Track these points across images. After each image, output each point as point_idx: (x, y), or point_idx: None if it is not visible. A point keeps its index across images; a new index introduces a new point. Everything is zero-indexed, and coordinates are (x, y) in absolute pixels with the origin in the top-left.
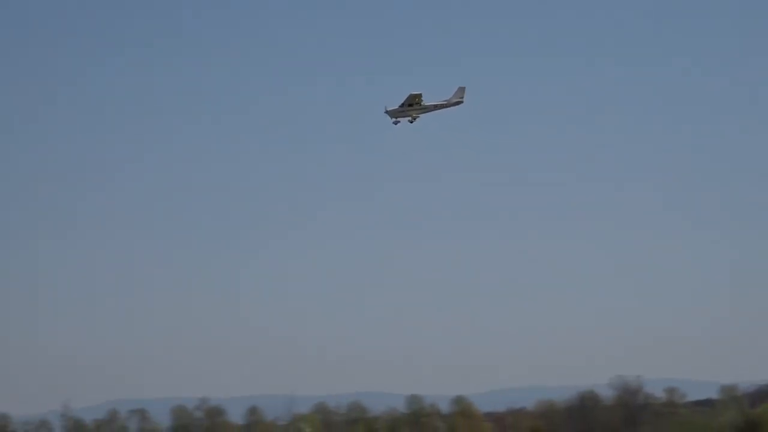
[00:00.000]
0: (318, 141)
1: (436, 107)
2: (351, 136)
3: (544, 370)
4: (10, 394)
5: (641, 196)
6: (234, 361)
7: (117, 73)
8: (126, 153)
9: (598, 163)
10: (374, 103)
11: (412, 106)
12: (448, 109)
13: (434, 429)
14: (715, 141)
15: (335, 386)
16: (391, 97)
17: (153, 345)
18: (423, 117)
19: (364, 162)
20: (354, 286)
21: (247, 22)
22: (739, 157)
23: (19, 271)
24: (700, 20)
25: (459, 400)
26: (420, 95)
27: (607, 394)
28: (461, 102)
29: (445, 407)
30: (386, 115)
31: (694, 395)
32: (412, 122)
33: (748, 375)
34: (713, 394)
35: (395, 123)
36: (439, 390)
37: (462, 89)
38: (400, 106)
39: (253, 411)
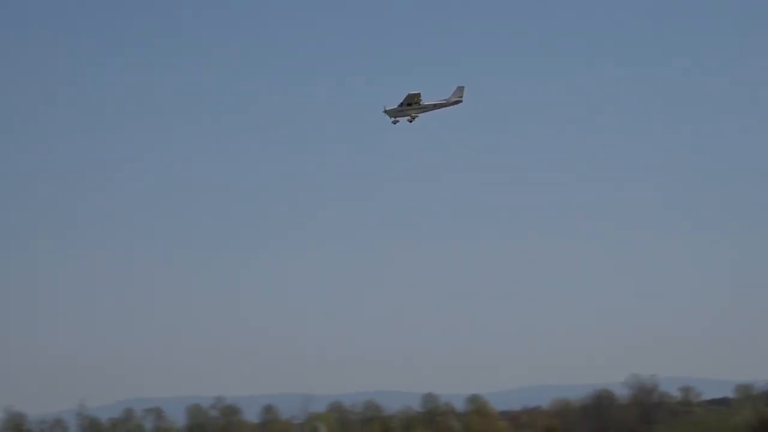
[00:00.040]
0: (318, 141)
1: (435, 106)
2: (351, 136)
3: (559, 369)
4: (25, 394)
5: (642, 196)
6: (249, 360)
7: (117, 73)
8: (126, 153)
9: (598, 162)
10: (373, 102)
11: (411, 105)
12: (447, 108)
13: (449, 428)
14: (715, 141)
15: (351, 385)
16: (389, 97)
17: (167, 344)
18: (422, 116)
19: (364, 162)
20: (366, 285)
21: (247, 22)
22: (740, 156)
23: (30, 271)
24: (699, 20)
25: (474, 399)
26: (419, 95)
27: (622, 393)
28: (460, 101)
29: (460, 406)
30: (385, 114)
31: (709, 394)
32: (411, 121)
33: (763, 374)
34: (728, 393)
35: (394, 122)
36: (454, 389)
37: (461, 88)
38: (399, 106)
39: (268, 410)
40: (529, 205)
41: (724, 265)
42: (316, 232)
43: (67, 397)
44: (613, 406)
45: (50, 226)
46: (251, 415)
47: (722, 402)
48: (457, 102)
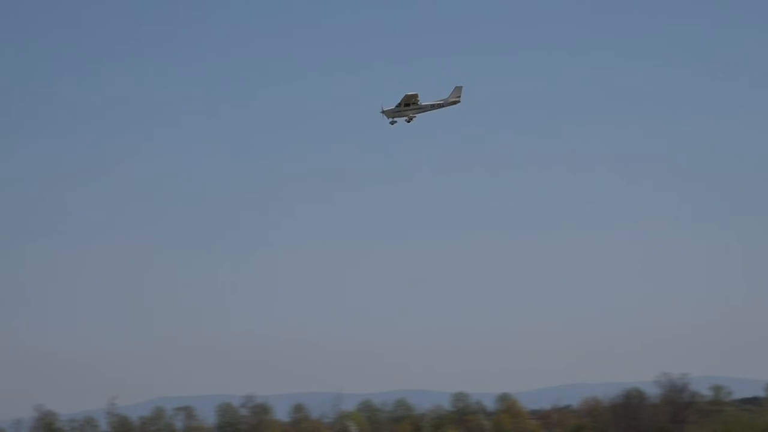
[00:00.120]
0: (317, 141)
1: (433, 107)
2: (350, 136)
3: (590, 368)
4: (56, 392)
5: (666, 194)
6: (280, 358)
7: (106, 72)
8: (117, 154)
9: (618, 161)
10: (372, 103)
11: (408, 106)
12: (445, 108)
13: (479, 427)
14: (729, 135)
15: (381, 384)
16: (388, 97)
17: (197, 343)
18: (420, 116)
19: (365, 162)
20: (397, 285)
21: (245, 22)
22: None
23: (57, 272)
24: (697, 20)
25: (504, 398)
26: (416, 95)
27: (652, 391)
28: (458, 101)
29: (490, 405)
30: (383, 115)
31: (740, 393)
32: (409, 122)
33: None
34: (759, 392)
35: (392, 123)
36: (484, 388)
37: (459, 88)
38: (396, 107)
39: (298, 408)
40: (550, 202)
41: (757, 264)
42: (342, 232)
43: (97, 395)
44: (643, 405)
45: (55, 224)
46: (281, 413)
47: (753, 401)
48: (455, 102)
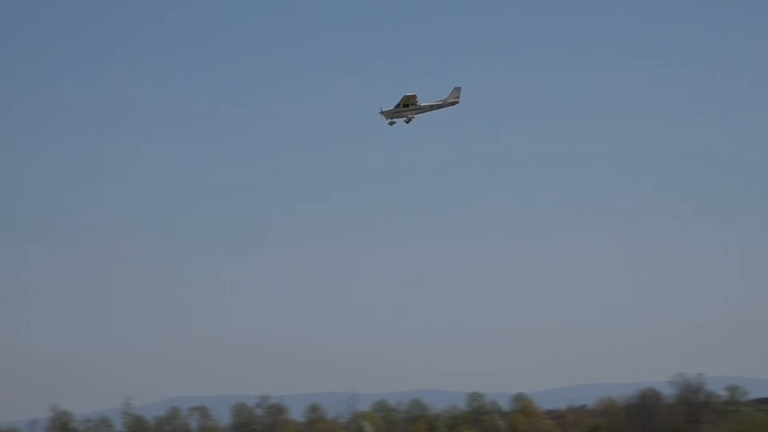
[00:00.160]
0: (317, 141)
1: (431, 107)
2: (350, 136)
3: (605, 368)
4: (71, 393)
5: (671, 195)
6: (294, 358)
7: (112, 72)
8: (117, 154)
9: (618, 159)
10: (371, 103)
11: (407, 106)
12: (444, 109)
13: (495, 427)
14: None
15: (396, 384)
16: (387, 98)
17: (212, 343)
18: (419, 117)
19: (364, 162)
20: (410, 286)
21: (243, 22)
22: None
23: (63, 271)
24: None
25: (519, 398)
26: (414, 96)
27: (668, 392)
28: (457, 102)
29: (505, 405)
30: (381, 116)
31: (755, 393)
32: (408, 122)
33: None
34: None
35: (391, 124)
36: (499, 388)
37: (458, 89)
38: (395, 107)
39: (313, 408)
40: (550, 202)
41: None
42: (343, 232)
43: (112, 395)
44: (658, 405)
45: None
46: (297, 413)
47: None
48: (453, 103)
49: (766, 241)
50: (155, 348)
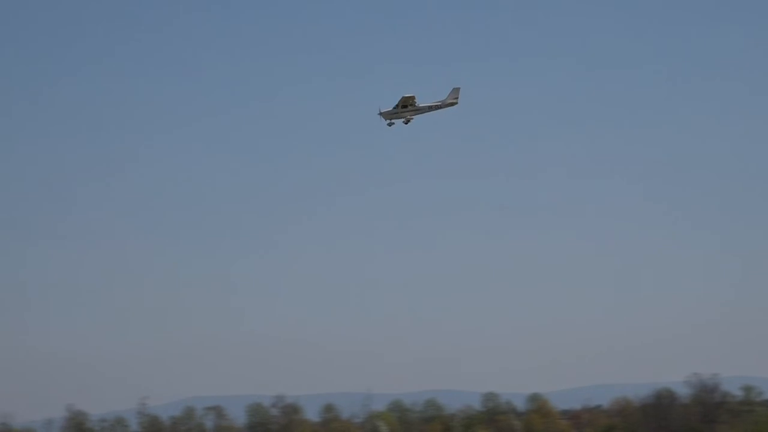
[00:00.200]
0: (317, 144)
1: (430, 108)
2: (349, 139)
3: (620, 368)
4: (86, 392)
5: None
6: (309, 358)
7: (114, 74)
8: (118, 156)
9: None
10: (370, 105)
11: (406, 107)
12: (443, 109)
13: (510, 427)
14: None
15: (411, 384)
16: (387, 99)
17: (227, 343)
18: (418, 118)
19: (364, 163)
20: (425, 285)
21: (242, 24)
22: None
23: (69, 272)
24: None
25: (535, 398)
26: (413, 97)
27: (683, 392)
28: (455, 103)
29: (520, 405)
30: (380, 117)
31: None
32: (406, 123)
33: None
34: None
35: (389, 125)
36: (514, 388)
37: (456, 90)
38: (393, 108)
39: (328, 408)
40: (549, 202)
41: None
42: (346, 233)
43: (127, 395)
44: (674, 406)
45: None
46: (312, 413)
47: None
48: (452, 104)
49: None
50: (170, 348)
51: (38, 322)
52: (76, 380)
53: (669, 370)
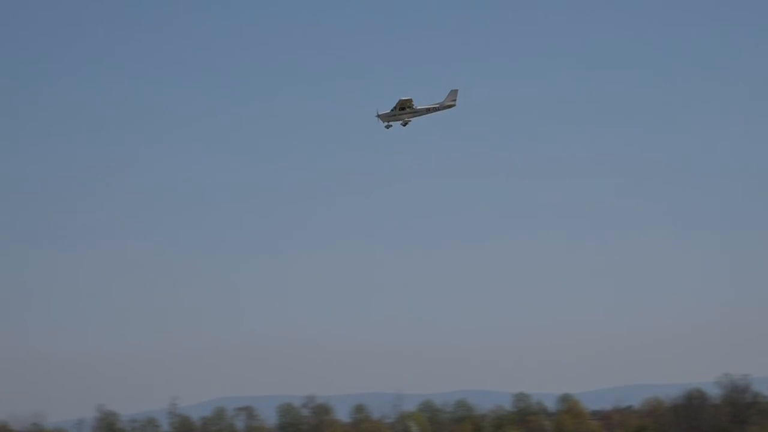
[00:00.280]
0: (317, 145)
1: (428, 110)
2: (349, 140)
3: (651, 369)
4: (118, 393)
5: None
6: (341, 359)
7: (116, 74)
8: (120, 156)
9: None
10: (369, 107)
11: (403, 110)
12: (441, 111)
13: (541, 427)
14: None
15: (442, 384)
16: (386, 100)
17: (259, 343)
18: (416, 120)
19: (364, 164)
20: (458, 286)
21: (242, 24)
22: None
23: (77, 274)
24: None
25: (565, 399)
26: (410, 100)
27: (714, 392)
28: (453, 105)
29: (551, 405)
30: (378, 119)
31: None
32: (404, 126)
33: None
34: None
35: (387, 127)
36: (545, 388)
37: (454, 92)
38: (391, 111)
39: (359, 409)
40: (588, 206)
41: None
42: (349, 235)
43: (159, 396)
44: (704, 406)
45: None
46: (342, 414)
47: None
48: (450, 106)
49: None
50: (202, 348)
51: (73, 324)
52: (107, 381)
53: (700, 370)
